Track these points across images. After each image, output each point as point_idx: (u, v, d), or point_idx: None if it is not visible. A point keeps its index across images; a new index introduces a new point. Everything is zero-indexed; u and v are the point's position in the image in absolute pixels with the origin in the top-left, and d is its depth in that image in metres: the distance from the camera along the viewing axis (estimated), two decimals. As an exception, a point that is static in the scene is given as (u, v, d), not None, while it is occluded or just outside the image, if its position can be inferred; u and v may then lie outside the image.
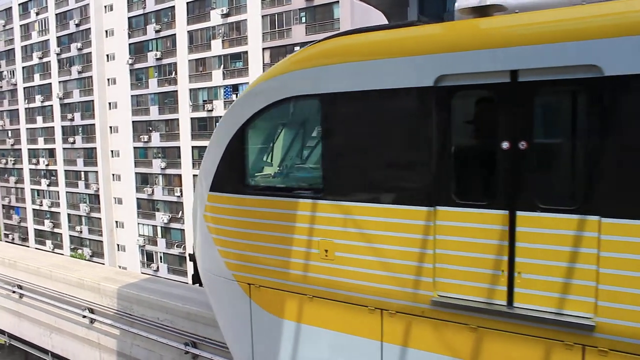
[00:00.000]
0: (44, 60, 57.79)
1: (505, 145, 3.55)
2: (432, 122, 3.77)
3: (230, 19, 44.68)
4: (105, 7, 53.35)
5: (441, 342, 3.92)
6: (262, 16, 43.18)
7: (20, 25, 60.57)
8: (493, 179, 3.71)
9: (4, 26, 62.56)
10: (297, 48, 37.58)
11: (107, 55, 53.06)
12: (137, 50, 50.53)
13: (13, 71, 61.38)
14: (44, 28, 58.18)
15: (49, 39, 57.52)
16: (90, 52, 53.31)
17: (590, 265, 3.36)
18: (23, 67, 60.01)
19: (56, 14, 56.87)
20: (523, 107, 3.47)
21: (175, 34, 47.86)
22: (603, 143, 3.27)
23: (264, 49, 42.67)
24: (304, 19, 41.35)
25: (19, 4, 60.44)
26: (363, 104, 4.04)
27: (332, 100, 4.20)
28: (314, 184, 4.52)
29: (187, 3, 46.90)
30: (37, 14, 58.49)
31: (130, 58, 50.40)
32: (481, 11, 3.72)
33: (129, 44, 51.01)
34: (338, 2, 38.60)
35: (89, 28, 53.62)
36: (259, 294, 4.79)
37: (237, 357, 5.38)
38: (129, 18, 51.16)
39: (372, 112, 4.03)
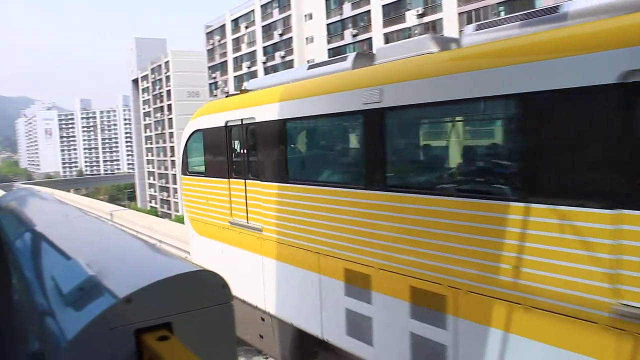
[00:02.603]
0: (252, 69, 74.54)
1: None
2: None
3: (426, 19, 52.66)
4: (305, 16, 66.88)
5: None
6: (459, 14, 50.50)
7: (232, 39, 78.74)
8: None
9: (219, 41, 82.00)
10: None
11: (307, 61, 66.59)
12: (335, 55, 62.55)
13: (226, 81, 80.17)
14: (252, 40, 75.03)
15: (256, 50, 74.13)
16: (292, 59, 67.57)
17: None
18: (234, 77, 77.99)
19: (262, 26, 72.81)
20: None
21: (371, 37, 57.93)
22: None
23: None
24: (502, 14, 47.58)
25: (231, 20, 78.73)
26: (217, 133, 9.85)
27: (207, 132, 10.32)
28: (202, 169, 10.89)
29: (383, 6, 55.87)
30: (246, 27, 75.66)
31: (330, 63, 62.82)
32: (244, 91, 9.93)
33: (328, 49, 62.83)
34: (540, -5, 42.70)
35: (291, 37, 67.88)
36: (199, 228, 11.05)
37: None
38: (327, 25, 62.92)
39: (218, 139, 9.87)
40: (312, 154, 8.77)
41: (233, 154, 9.68)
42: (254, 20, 74.05)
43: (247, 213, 9.29)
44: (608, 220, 4.34)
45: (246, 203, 9.27)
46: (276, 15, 69.97)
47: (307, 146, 8.85)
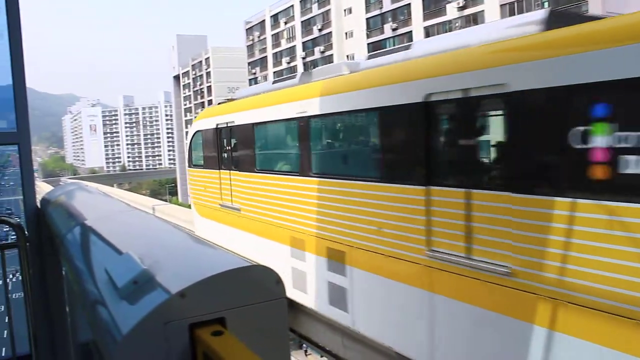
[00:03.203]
0: (292, 64, 76.52)
1: None
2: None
3: (467, 11, 53.08)
4: (344, 10, 68.18)
5: None
6: (501, 5, 50.78)
7: (272, 35, 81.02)
8: None
9: (258, 37, 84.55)
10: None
11: (347, 56, 67.61)
12: (375, 49, 63.28)
13: (266, 76, 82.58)
14: (291, 35, 77.08)
15: (295, 45, 76.09)
16: (332, 54, 69.02)
17: None
18: (274, 72, 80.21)
19: (301, 22, 74.67)
20: None
21: (411, 31, 58.61)
22: None
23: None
24: (546, 4, 47.55)
25: (271, 16, 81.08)
26: (211, 133, 12.82)
27: (204, 132, 13.29)
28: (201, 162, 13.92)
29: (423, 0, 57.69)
30: (286, 23, 77.75)
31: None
32: (231, 100, 13.10)
33: (367, 44, 63.77)
34: (584, -16, 42.26)
35: (330, 32, 69.27)
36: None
37: None
38: (366, 19, 63.85)
39: (216, 137, 12.66)
40: (270, 151, 11.36)
41: (221, 150, 12.48)
42: (293, 16, 76.04)
43: (231, 197, 12.12)
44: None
45: (230, 189, 12.14)
46: (315, 10, 71.65)
47: (267, 144, 11.39)
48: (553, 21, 5.85)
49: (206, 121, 13.37)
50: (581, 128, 4.94)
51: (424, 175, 6.76)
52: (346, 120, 8.74)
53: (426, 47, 7.49)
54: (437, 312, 6.76)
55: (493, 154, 6.39)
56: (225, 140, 12.30)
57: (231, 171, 11.99)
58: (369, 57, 8.82)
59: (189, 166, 14.70)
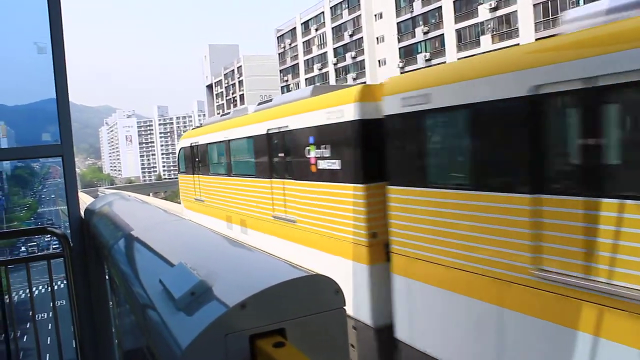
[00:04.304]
0: (323, 70, 76.85)
1: None
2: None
3: (499, 12, 52.46)
4: (375, 15, 68.19)
5: None
6: (534, 5, 49.99)
7: (303, 42, 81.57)
8: None
9: (290, 44, 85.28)
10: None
11: (379, 61, 67.80)
12: (407, 53, 63.28)
13: (298, 83, 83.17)
14: (322, 42, 77.38)
15: (326, 51, 76.36)
16: (364, 60, 69.18)
17: None
18: (306, 79, 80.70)
19: (332, 28, 74.91)
20: None
21: (443, 34, 58.24)
22: None
23: (537, 39, 49.72)
24: (581, 2, 46.69)
25: (301, 23, 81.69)
26: (188, 149, 17.34)
27: (185, 149, 17.78)
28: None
29: (454, 2, 55.98)
30: (317, 29, 78.18)
31: (400, 62, 63.22)
32: (200, 126, 18.54)
33: (399, 48, 63.81)
34: (623, -17, 43.12)
35: (361, 37, 69.34)
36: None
37: None
38: (397, 23, 63.67)
39: (205, 149, 16.19)
40: (215, 161, 15.43)
41: (194, 161, 17.00)
42: (324, 22, 76.41)
43: (200, 193, 16.62)
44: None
45: (200, 187, 16.56)
46: (346, 16, 71.85)
47: (213, 157, 15.56)
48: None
49: (185, 141, 18.14)
50: None
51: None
52: (245, 143, 12.81)
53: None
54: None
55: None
56: (194, 154, 17.06)
57: (199, 175, 16.63)
58: (258, 104, 12.95)
59: (179, 173, 19.38)
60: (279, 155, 10.78)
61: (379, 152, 7.76)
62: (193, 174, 17.07)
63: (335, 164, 8.73)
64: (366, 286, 8.05)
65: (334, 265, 8.73)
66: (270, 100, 12.46)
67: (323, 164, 9.06)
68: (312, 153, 9.34)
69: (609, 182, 4.93)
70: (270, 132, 11.05)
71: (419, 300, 7.32)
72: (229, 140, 13.72)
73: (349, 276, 8.28)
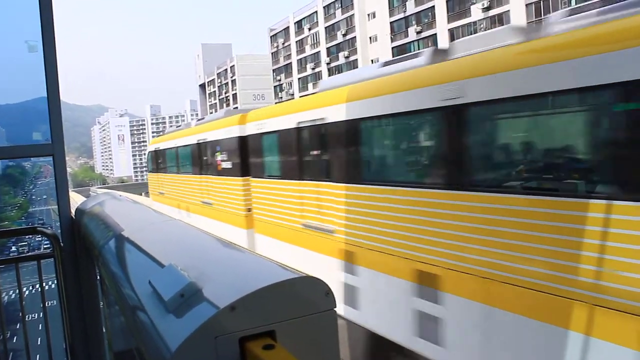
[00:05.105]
0: (316, 70, 76.78)
1: None
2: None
3: (492, 12, 52.68)
4: (368, 15, 68.30)
5: None
6: (526, 5, 50.25)
7: (296, 41, 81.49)
8: None
9: (283, 44, 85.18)
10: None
11: (372, 60, 67.76)
12: (400, 53, 63.25)
13: (290, 83, 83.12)
14: (315, 41, 77.37)
15: (319, 51, 76.34)
16: (356, 59, 69.12)
17: None
18: (299, 78, 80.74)
19: (325, 27, 74.91)
20: None
21: (436, 34, 58.50)
22: None
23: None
24: (573, 1, 46.98)
25: (295, 23, 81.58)
26: (153, 153, 22.52)
27: (150, 153, 22.96)
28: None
29: (447, 1, 56.18)
30: (310, 29, 78.10)
31: (394, 61, 63.91)
32: (160, 135, 21.16)
33: (392, 48, 63.81)
34: (615, -18, 43.40)
35: (354, 37, 69.46)
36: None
37: None
38: (390, 23, 63.75)
39: (168, 154, 20.55)
40: (168, 163, 19.80)
41: (157, 162, 21.39)
42: (317, 22, 76.38)
43: (162, 187, 20.65)
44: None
45: (162, 183, 20.72)
46: (339, 15, 71.88)
47: (168, 160, 19.81)
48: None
49: (152, 146, 22.66)
50: None
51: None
52: (187, 149, 16.99)
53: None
54: None
55: None
56: (157, 157, 21.30)
57: (161, 173, 20.76)
58: (197, 120, 17.72)
59: (149, 171, 23.82)
60: (203, 158, 15.23)
61: (248, 157, 12.34)
62: (157, 172, 21.68)
63: (229, 164, 13.11)
64: (244, 243, 12.18)
65: (223, 228, 13.58)
66: (203, 119, 17.70)
67: (223, 165, 13.53)
68: (219, 157, 13.70)
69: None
70: (199, 141, 15.48)
71: (266, 248, 11.56)
72: (177, 147, 18.28)
73: (234, 235, 12.56)
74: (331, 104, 8.77)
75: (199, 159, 15.37)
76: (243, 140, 12.24)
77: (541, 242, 5.34)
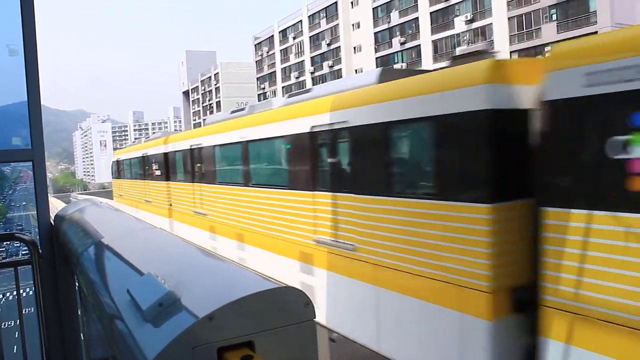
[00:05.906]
0: (300, 79, 76.91)
1: None
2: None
3: (475, 25, 53.28)
4: (352, 25, 68.74)
5: None
6: (509, 18, 50.87)
7: (280, 50, 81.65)
8: None
9: (267, 52, 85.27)
10: (547, 48, 44.06)
11: (356, 70, 68.09)
12: (384, 63, 63.54)
13: (275, 91, 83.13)
14: (300, 50, 77.60)
15: (304, 60, 76.61)
16: (340, 69, 69.50)
17: None
18: (282, 87, 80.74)
19: (310, 37, 75.21)
20: None
21: (420, 45, 59.14)
22: None
23: (511, 52, 50.65)
24: (554, 16, 47.41)
25: (279, 31, 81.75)
26: (117, 163, 26.32)
27: (115, 162, 26.47)
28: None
29: (431, 13, 56.92)
30: (294, 38, 78.30)
31: (378, 71, 64.21)
32: (122, 148, 28.22)
33: (376, 58, 64.19)
34: (594, -6, 41.92)
35: (339, 46, 69.80)
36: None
37: None
38: (375, 33, 64.29)
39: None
40: (128, 170, 23.05)
41: (118, 170, 25.03)
42: (301, 31, 76.64)
43: (121, 190, 24.44)
44: None
45: (121, 187, 24.52)
46: (324, 25, 72.21)
47: (127, 168, 23.41)
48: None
49: (115, 157, 26.10)
50: None
51: None
52: (137, 161, 20.85)
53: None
54: None
55: None
56: (121, 166, 24.52)
57: (125, 179, 23.76)
58: (149, 136, 20.89)
59: (113, 178, 27.02)
60: (145, 168, 19.37)
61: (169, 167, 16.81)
62: (118, 179, 25.60)
63: (159, 172, 17.42)
64: (168, 228, 15.28)
65: (157, 219, 17.44)
66: (154, 133, 21.97)
67: (156, 172, 17.75)
68: (154, 167, 17.99)
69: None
70: (143, 155, 19.54)
71: (179, 230, 15.47)
72: (130, 159, 22.29)
73: (162, 223, 16.21)
74: (205, 135, 13.56)
75: (143, 168, 19.76)
76: (166, 155, 16.76)
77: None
